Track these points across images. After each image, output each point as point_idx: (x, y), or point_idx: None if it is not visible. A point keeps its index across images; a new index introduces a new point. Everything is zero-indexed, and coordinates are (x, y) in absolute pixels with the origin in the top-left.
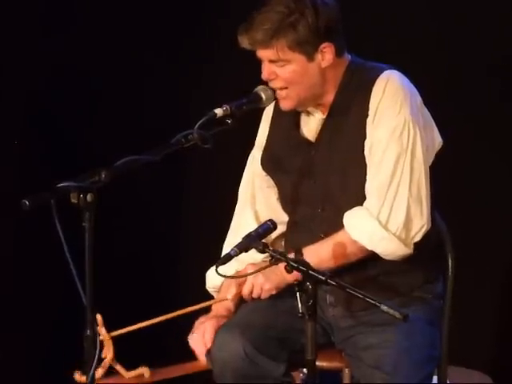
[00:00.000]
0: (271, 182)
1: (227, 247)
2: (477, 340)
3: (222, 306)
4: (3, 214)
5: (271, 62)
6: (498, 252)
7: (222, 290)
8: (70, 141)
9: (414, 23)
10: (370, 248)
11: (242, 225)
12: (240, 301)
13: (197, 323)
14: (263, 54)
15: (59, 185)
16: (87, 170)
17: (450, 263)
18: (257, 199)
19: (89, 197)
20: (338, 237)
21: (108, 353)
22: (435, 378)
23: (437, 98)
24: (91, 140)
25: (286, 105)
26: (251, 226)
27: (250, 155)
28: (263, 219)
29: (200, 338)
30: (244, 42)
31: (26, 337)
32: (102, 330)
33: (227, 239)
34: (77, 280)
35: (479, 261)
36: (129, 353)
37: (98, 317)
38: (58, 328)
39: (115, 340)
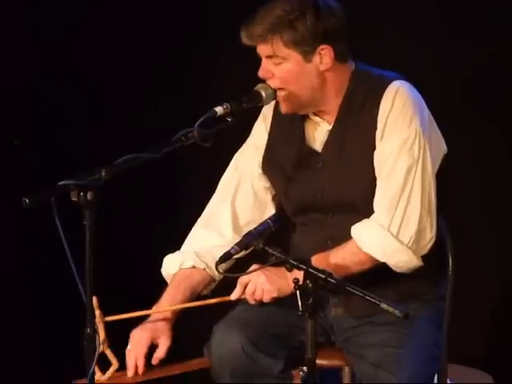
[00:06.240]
0: (267, 182)
1: (193, 236)
2: (477, 338)
3: (160, 315)
4: (3, 211)
5: (268, 57)
6: (499, 251)
7: (168, 291)
8: (71, 140)
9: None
10: (383, 260)
11: (215, 215)
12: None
13: (132, 335)
14: (260, 49)
15: (59, 183)
16: (87, 168)
17: (450, 262)
18: (239, 193)
19: (89, 195)
20: (348, 246)
21: (99, 336)
22: (435, 377)
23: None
24: (92, 138)
25: (285, 108)
26: (225, 218)
27: (239, 151)
28: (241, 215)
29: (133, 353)
30: (243, 36)
31: (25, 333)
32: (96, 312)
33: (195, 228)
34: (77, 278)
35: (480, 260)
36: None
37: (94, 299)
38: (58, 325)
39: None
